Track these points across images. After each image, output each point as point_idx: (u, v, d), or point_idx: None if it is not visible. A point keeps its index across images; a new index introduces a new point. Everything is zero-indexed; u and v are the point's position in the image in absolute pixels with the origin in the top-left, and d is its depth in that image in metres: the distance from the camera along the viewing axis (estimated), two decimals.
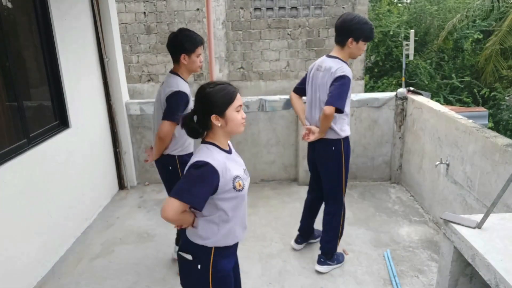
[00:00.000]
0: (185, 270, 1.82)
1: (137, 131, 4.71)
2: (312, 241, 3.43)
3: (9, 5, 3.14)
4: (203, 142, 1.79)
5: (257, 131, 4.68)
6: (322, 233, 3.10)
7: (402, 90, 4.45)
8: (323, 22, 8.72)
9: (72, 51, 3.73)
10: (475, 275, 1.94)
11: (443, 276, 2.03)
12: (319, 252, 3.11)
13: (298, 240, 3.39)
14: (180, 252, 1.81)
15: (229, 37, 8.78)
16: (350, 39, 2.68)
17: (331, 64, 2.73)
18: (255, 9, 8.67)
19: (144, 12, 8.68)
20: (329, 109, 2.62)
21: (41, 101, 3.53)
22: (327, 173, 2.96)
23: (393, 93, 4.51)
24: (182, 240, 1.83)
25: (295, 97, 3.09)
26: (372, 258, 3.25)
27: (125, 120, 4.59)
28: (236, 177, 1.74)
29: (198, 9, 8.62)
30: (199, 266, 1.76)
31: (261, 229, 3.75)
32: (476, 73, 11.64)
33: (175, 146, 2.80)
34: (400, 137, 4.52)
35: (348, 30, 2.67)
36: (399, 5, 14.73)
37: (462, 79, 11.37)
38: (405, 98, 4.41)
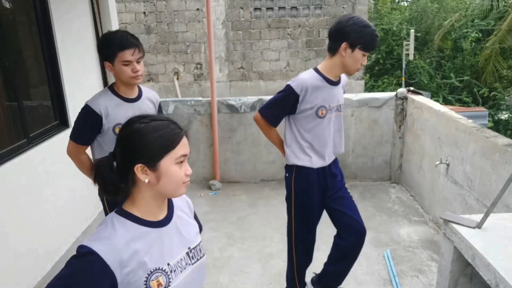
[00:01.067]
0: None
1: None
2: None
3: (9, 5, 3.14)
4: (118, 209, 1.17)
5: (257, 131, 4.67)
6: None
7: (402, 90, 4.46)
8: (323, 22, 8.72)
9: (72, 51, 3.72)
10: (475, 275, 1.93)
11: (443, 276, 2.03)
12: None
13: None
14: None
15: (229, 37, 8.78)
16: (343, 44, 2.09)
17: None
18: (255, 9, 8.66)
19: (144, 12, 8.66)
20: (255, 114, 2.35)
21: (41, 101, 3.52)
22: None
23: (393, 93, 4.52)
24: None
25: None
26: (372, 258, 3.25)
27: None
28: (155, 271, 1.11)
29: (198, 9, 8.61)
30: None
31: (261, 229, 3.75)
32: (476, 73, 11.64)
33: None
34: (400, 137, 4.52)
35: (342, 32, 2.09)
36: (399, 4, 14.74)
37: (462, 79, 11.38)
38: (405, 98, 4.42)
